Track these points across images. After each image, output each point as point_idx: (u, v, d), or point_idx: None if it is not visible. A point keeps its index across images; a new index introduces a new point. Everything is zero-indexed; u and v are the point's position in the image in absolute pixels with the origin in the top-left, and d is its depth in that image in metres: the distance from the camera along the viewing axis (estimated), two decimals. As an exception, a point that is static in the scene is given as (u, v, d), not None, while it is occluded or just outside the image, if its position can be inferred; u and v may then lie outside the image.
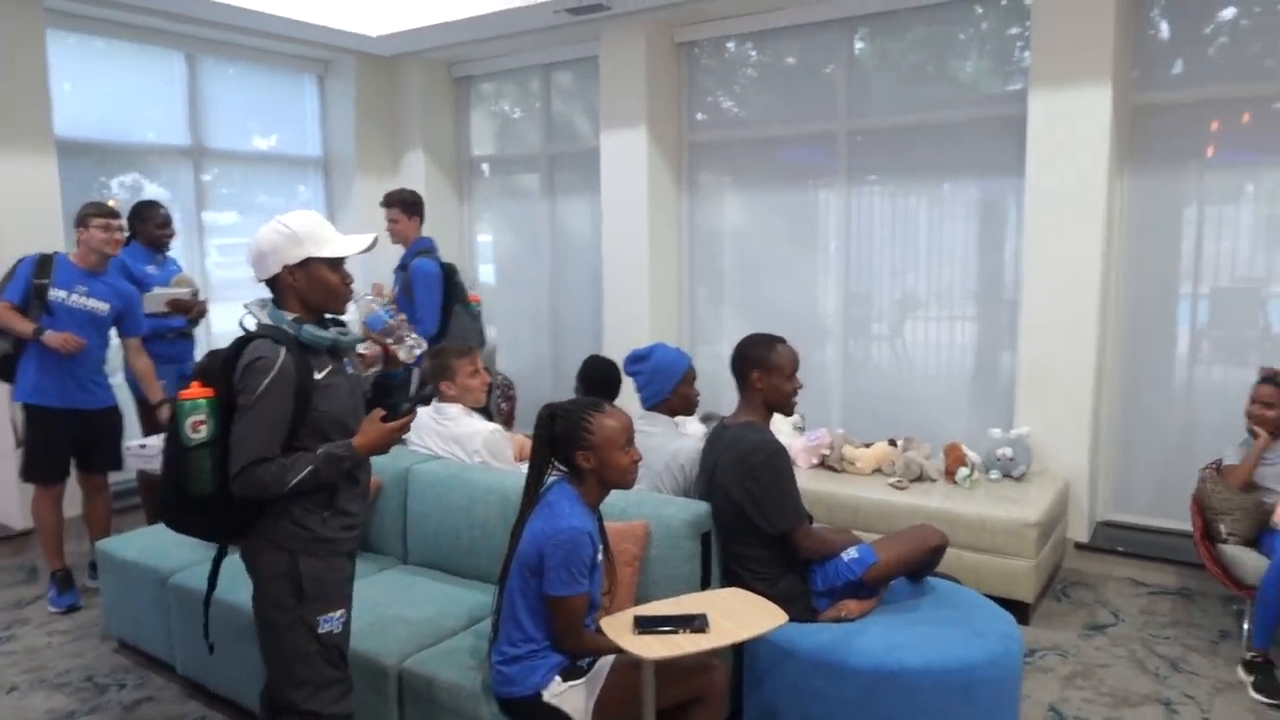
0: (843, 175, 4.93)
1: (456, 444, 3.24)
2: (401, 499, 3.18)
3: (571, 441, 2.23)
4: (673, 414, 3.09)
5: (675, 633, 2.04)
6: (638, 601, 2.49)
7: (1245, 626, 3.29)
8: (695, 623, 2.06)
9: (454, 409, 3.30)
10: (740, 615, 2.17)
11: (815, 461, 4.22)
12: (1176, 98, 4.06)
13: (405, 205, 4.47)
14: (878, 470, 4.10)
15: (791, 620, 2.40)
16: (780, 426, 4.33)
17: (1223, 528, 3.31)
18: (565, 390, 2.69)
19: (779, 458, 2.60)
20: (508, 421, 5.17)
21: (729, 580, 2.65)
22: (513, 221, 6.43)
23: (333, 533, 2.09)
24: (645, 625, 2.07)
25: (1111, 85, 3.90)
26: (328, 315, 2.14)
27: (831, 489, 3.92)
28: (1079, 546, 4.14)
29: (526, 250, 6.33)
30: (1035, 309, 4.17)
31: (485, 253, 6.65)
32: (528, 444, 3.30)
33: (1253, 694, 3.02)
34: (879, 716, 2.39)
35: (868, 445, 4.22)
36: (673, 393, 3.08)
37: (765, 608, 2.23)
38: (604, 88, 5.36)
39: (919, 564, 2.72)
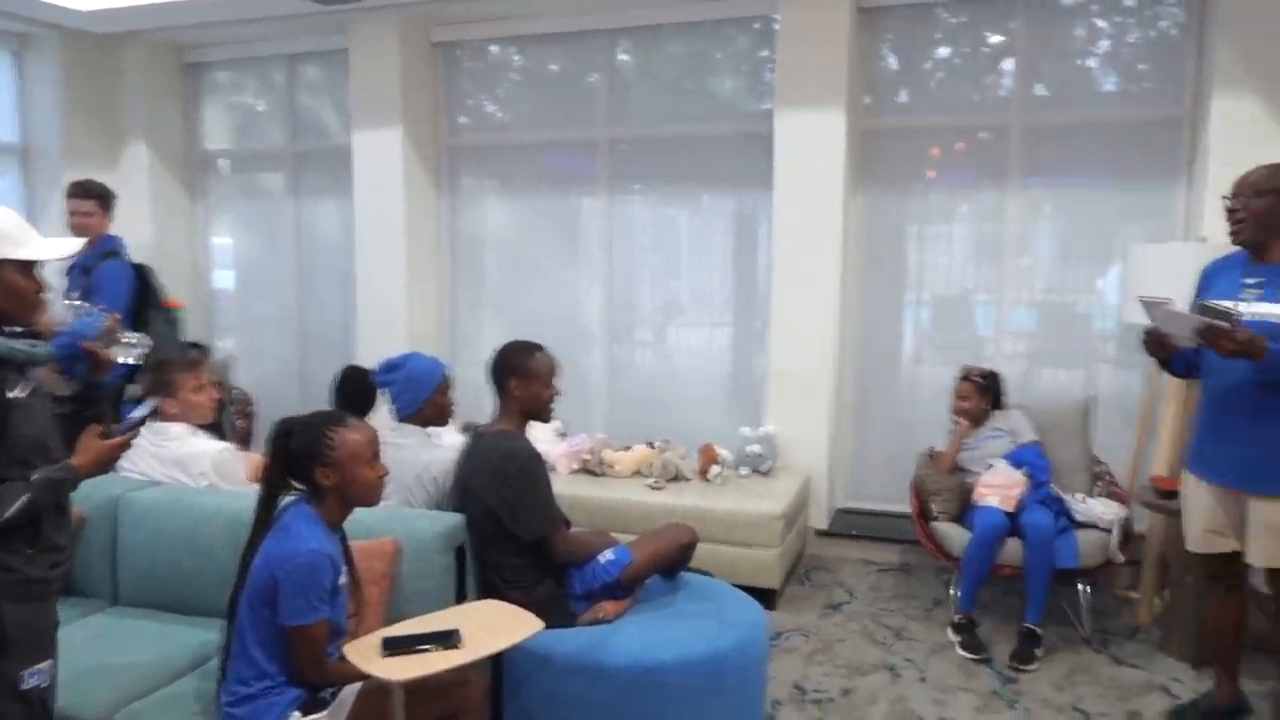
0: (605, 183, 5.03)
1: (179, 467, 2.94)
2: (110, 532, 2.81)
3: (310, 458, 2.10)
4: (425, 424, 2.99)
5: (426, 651, 1.98)
6: (388, 622, 2.37)
7: (952, 593, 3.70)
8: (447, 639, 2.01)
9: (177, 428, 3.00)
10: (495, 626, 2.14)
11: (576, 466, 4.27)
12: (902, 124, 4.50)
13: (104, 199, 4.02)
14: (637, 472, 4.21)
15: (549, 626, 2.40)
16: (541, 433, 4.33)
17: (934, 507, 3.71)
18: (315, 404, 2.53)
19: (533, 464, 2.60)
20: (245, 440, 4.78)
21: (485, 591, 2.61)
22: (254, 222, 5.99)
23: (41, 572, 1.83)
24: (394, 646, 1.99)
25: (846, 110, 4.26)
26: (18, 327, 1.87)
27: (592, 493, 3.98)
28: (820, 533, 4.48)
29: (270, 254, 5.92)
30: (782, 316, 4.46)
31: (223, 256, 6.14)
32: (257, 458, 3.08)
33: (960, 651, 3.41)
34: (635, 714, 2.44)
35: (628, 448, 4.33)
36: (426, 403, 2.98)
37: (520, 616, 2.21)
38: (355, 84, 5.13)
39: (672, 561, 2.82)
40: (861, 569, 4.31)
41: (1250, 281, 2.59)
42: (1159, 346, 2.67)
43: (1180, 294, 3.01)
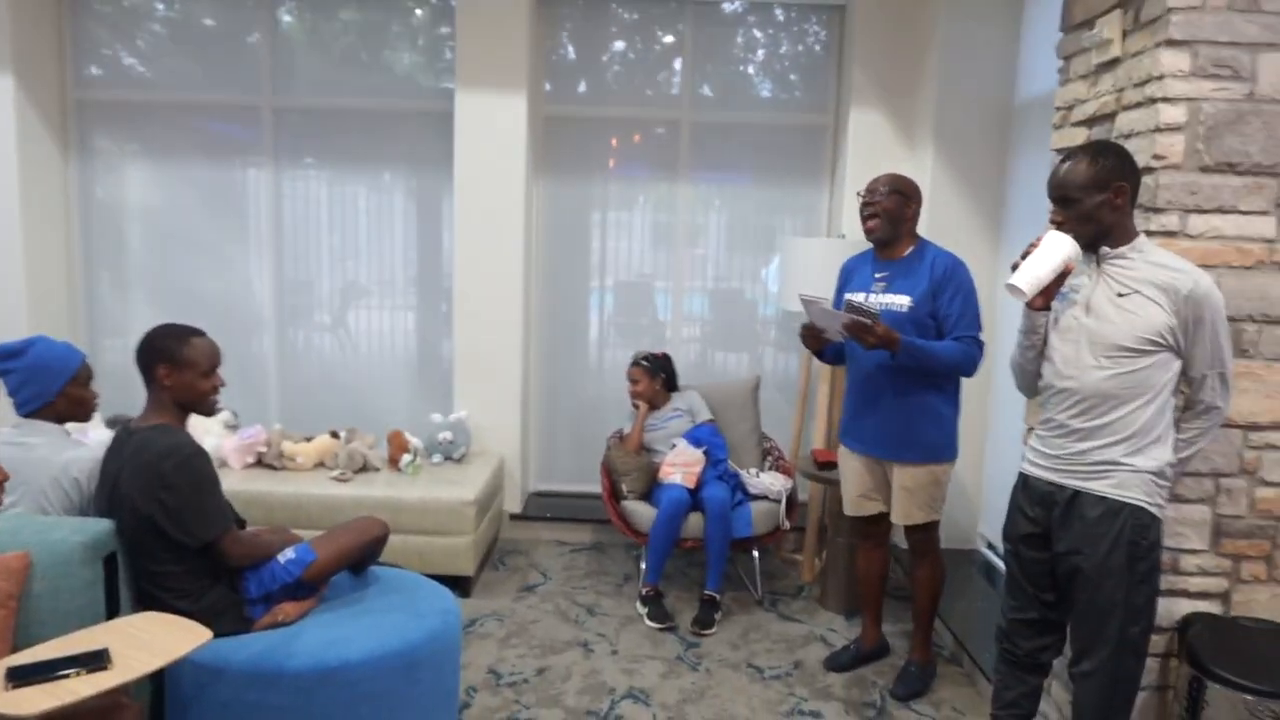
0: (270, 155, 4.62)
1: None
2: None
3: None
4: (61, 420, 2.56)
5: (65, 677, 1.69)
6: (19, 648, 2.01)
7: (642, 568, 3.88)
8: (93, 661, 1.73)
9: None
10: (153, 641, 1.88)
11: (251, 460, 3.90)
12: (582, 113, 4.60)
13: None
14: (320, 464, 3.94)
15: (222, 634, 2.18)
16: (208, 425, 3.93)
17: (624, 486, 3.86)
18: None
19: (194, 461, 2.30)
20: None
21: (144, 603, 2.29)
22: None
23: None
24: (23, 676, 1.67)
25: (527, 95, 4.27)
26: None
27: (270, 488, 3.67)
28: (514, 517, 4.49)
29: None
30: (467, 299, 4.39)
31: None
32: None
33: (648, 623, 3.58)
34: (321, 716, 2.28)
35: (309, 439, 4.04)
36: (59, 395, 2.54)
37: (184, 627, 1.97)
38: (-48, 19, 4.26)
39: (361, 556, 2.66)
40: (555, 550, 4.39)
41: (879, 275, 2.99)
42: (813, 339, 2.98)
43: (827, 284, 3.40)
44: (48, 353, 2.56)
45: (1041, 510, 2.22)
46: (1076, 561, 2.12)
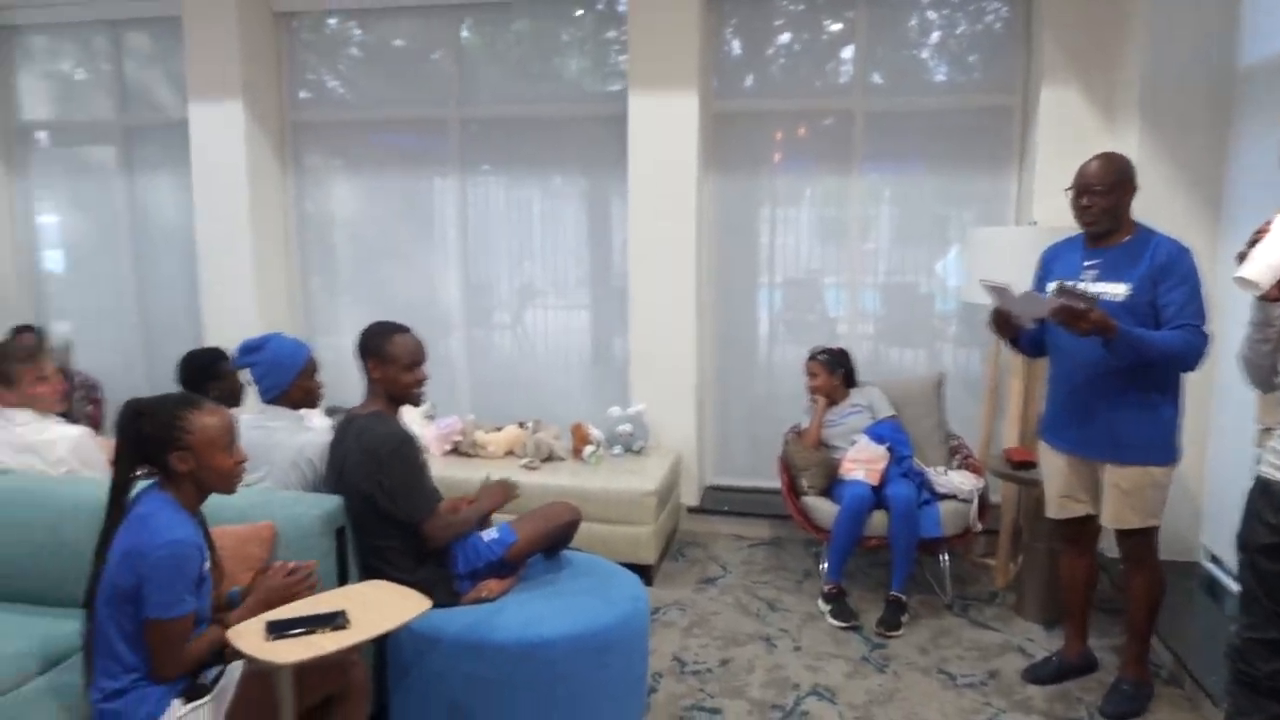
0: (456, 164, 4.90)
1: (33, 452, 2.71)
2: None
3: (164, 442, 1.95)
4: (295, 407, 2.83)
5: (312, 633, 1.87)
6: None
7: (822, 565, 3.84)
8: (334, 620, 1.90)
9: (24, 414, 2.75)
10: (382, 606, 2.05)
11: (448, 448, 4.16)
12: (750, 108, 4.61)
13: None
14: (510, 453, 4.14)
15: (435, 606, 2.33)
16: (410, 415, 4.20)
17: (804, 481, 3.83)
18: (163, 388, 2.33)
19: (408, 447, 2.50)
20: (95, 426, 4.42)
21: (368, 573, 2.49)
22: (82, 200, 5.49)
23: None
24: (279, 630, 1.86)
25: (699, 93, 4.32)
26: None
27: (466, 474, 3.88)
28: (691, 510, 4.55)
29: (102, 233, 5.45)
30: (641, 297, 4.49)
31: (50, 236, 5.60)
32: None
33: (830, 620, 3.54)
34: (523, 690, 2.40)
35: (499, 429, 4.25)
36: (293, 385, 2.82)
37: (407, 596, 2.13)
38: (190, 55, 4.77)
39: (555, 539, 2.79)
40: (733, 544, 4.41)
41: (1089, 264, 2.80)
42: (1005, 327, 2.85)
43: (1018, 275, 3.24)
44: (281, 348, 2.84)
45: None
46: None
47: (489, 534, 2.65)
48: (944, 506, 3.65)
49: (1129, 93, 3.83)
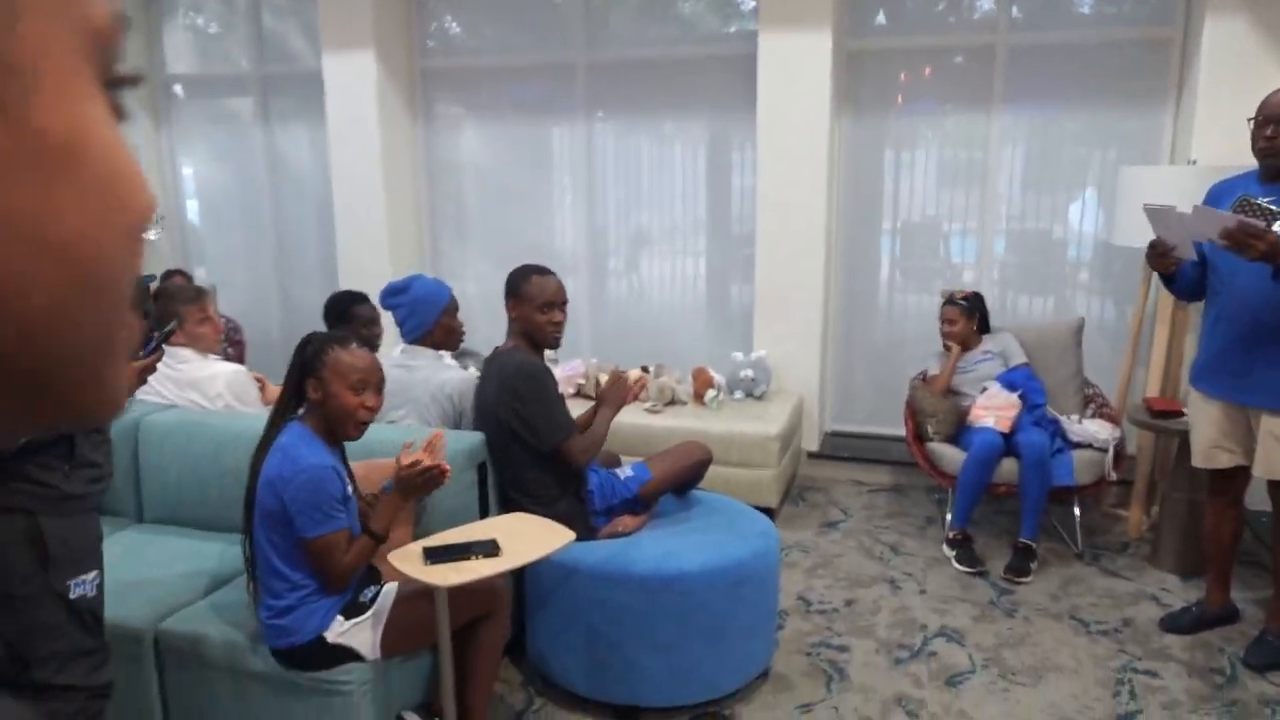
0: (582, 109, 4.93)
1: (195, 389, 2.91)
2: (131, 453, 2.82)
3: (307, 370, 2.08)
4: (436, 348, 2.96)
5: (467, 559, 1.98)
6: (417, 537, 2.38)
7: (947, 513, 3.80)
8: (486, 548, 2.01)
9: (187, 352, 2.94)
10: (528, 538, 2.15)
11: (572, 391, 4.26)
12: (884, 45, 4.46)
13: None
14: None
15: (576, 541, 2.43)
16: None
17: (930, 428, 3.77)
18: (300, 331, 2.47)
19: (542, 376, 2.58)
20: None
21: (507, 508, 2.61)
22: (222, 150, 5.78)
23: (80, 488, 1.80)
24: (435, 556, 1.99)
25: (832, 31, 4.20)
26: None
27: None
28: (811, 455, 4.55)
29: (240, 182, 5.73)
30: (768, 242, 4.45)
31: (188, 186, 5.94)
32: (271, 387, 3.06)
33: (956, 565, 3.51)
34: (661, 618, 2.48)
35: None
36: (435, 325, 2.94)
37: (551, 528, 2.23)
38: (323, 5, 4.93)
39: (688, 478, 2.85)
40: (853, 489, 4.40)
41: (1269, 201, 2.63)
42: (1161, 259, 2.71)
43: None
44: (424, 289, 2.95)
45: None
46: None
47: (625, 471, 2.73)
48: (1078, 455, 3.55)
49: (1304, 16, 3.53)
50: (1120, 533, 3.85)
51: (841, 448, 4.58)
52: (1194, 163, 3.70)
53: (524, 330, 2.67)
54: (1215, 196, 2.82)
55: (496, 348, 2.75)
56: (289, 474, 1.98)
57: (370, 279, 4.02)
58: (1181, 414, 3.42)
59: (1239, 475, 2.84)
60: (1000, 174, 4.41)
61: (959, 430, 3.76)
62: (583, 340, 5.13)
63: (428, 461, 2.05)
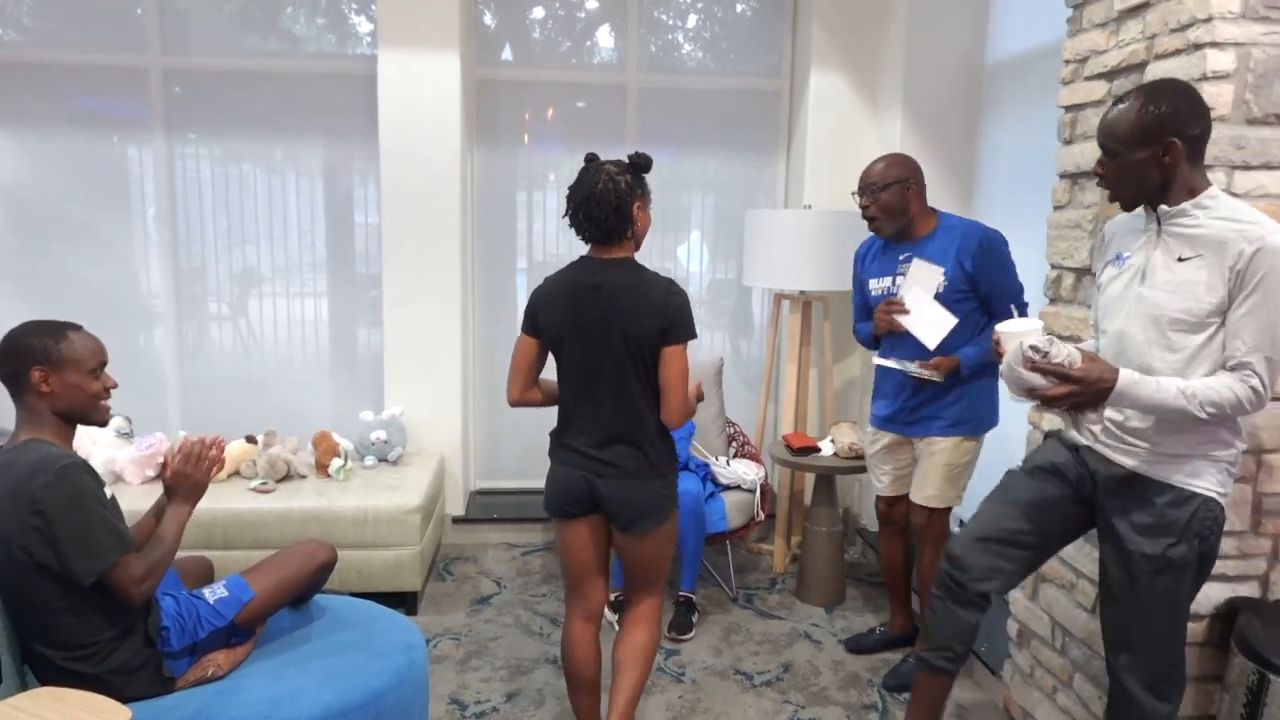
0: (160, 125, 4.05)
1: None
2: None
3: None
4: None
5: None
6: None
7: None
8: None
9: None
10: (56, 730, 1.47)
11: (152, 474, 3.41)
12: (508, 76, 4.19)
13: None
14: (236, 474, 3.48)
15: (139, 699, 1.78)
16: (99, 436, 3.41)
17: (583, 482, 3.52)
18: None
19: (70, 472, 1.83)
20: None
21: (38, 672, 1.85)
22: None
23: None
24: None
25: (460, 55, 3.84)
26: None
27: (179, 506, 3.19)
28: (456, 520, 4.10)
29: None
30: (398, 285, 3.96)
31: None
32: None
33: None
34: (274, 793, 1.89)
35: (221, 446, 3.55)
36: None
37: (90, 707, 1.56)
38: None
39: (306, 587, 2.26)
40: (505, 554, 4.02)
41: (902, 258, 2.81)
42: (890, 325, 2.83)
43: (796, 254, 3.15)
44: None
45: (1083, 470, 2.02)
46: (1130, 549, 1.91)
47: (215, 591, 2.08)
48: (729, 498, 3.51)
49: (892, 81, 3.87)
50: (766, 568, 3.89)
51: (490, 508, 4.20)
52: (809, 207, 3.88)
53: (63, 408, 1.92)
54: (860, 257, 3.03)
55: (-2, 444, 1.96)
56: None
57: None
58: (818, 449, 3.52)
59: (903, 504, 2.99)
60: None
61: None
62: (169, 407, 4.21)
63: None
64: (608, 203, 2.18)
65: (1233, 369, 1.75)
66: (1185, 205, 1.82)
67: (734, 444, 3.93)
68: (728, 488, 3.56)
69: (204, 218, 4.16)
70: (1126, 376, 1.76)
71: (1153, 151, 1.78)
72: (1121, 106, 1.83)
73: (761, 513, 3.58)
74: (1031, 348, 1.78)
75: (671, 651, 3.15)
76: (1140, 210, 1.93)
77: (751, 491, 3.56)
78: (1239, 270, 1.71)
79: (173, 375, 4.21)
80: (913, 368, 2.74)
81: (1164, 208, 1.85)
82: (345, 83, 4.06)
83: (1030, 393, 1.84)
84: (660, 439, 2.25)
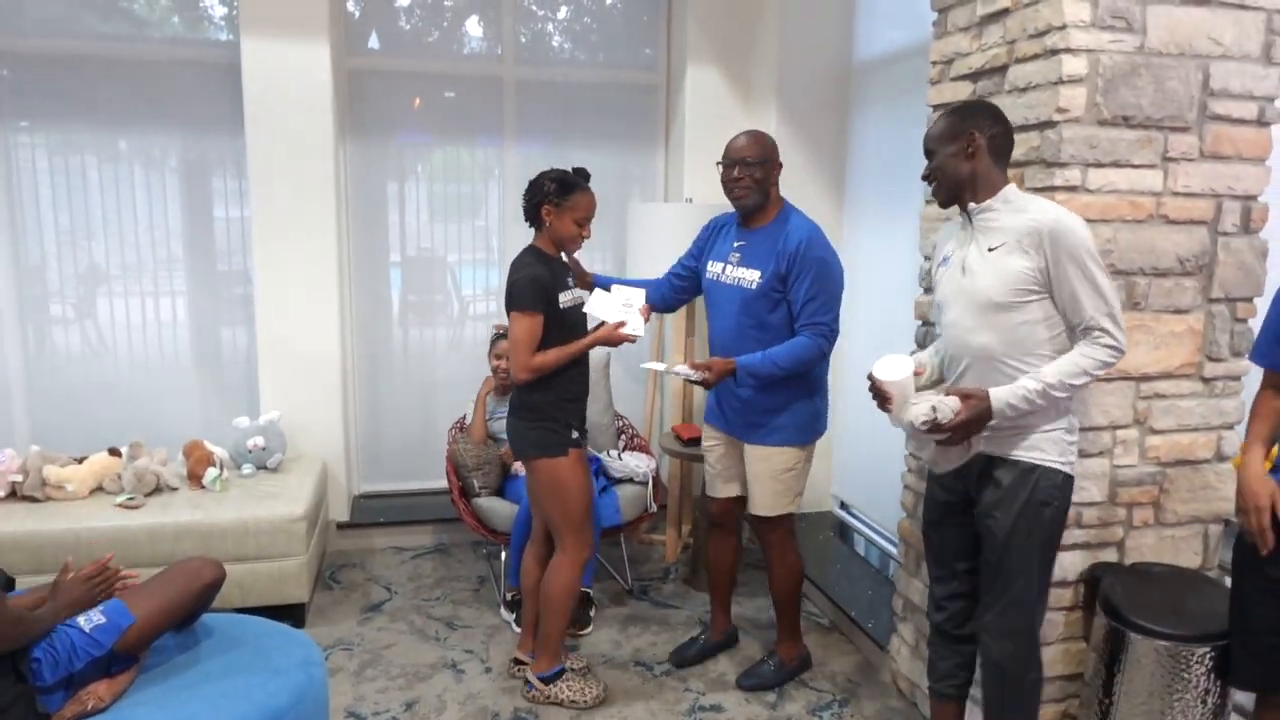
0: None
1: None
2: None
3: None
4: None
5: None
6: None
7: (496, 568, 3.53)
8: None
9: None
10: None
11: (3, 493, 3.14)
12: (381, 66, 4.06)
13: None
14: (99, 489, 3.25)
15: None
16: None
17: (475, 482, 3.47)
18: None
19: None
20: None
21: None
22: None
23: None
24: None
25: (330, 45, 3.69)
26: None
27: (35, 526, 2.96)
28: (341, 526, 3.97)
29: None
30: (270, 283, 3.78)
31: None
32: None
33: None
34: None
35: (80, 460, 3.31)
36: None
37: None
38: None
39: (191, 609, 2.15)
40: (394, 558, 3.92)
41: (738, 245, 2.77)
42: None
43: (670, 249, 3.20)
44: None
45: (959, 484, 2.18)
46: (989, 524, 2.08)
47: (91, 619, 1.95)
48: (622, 491, 3.53)
49: (766, 78, 3.97)
50: (659, 559, 3.95)
51: (376, 512, 4.08)
52: (690, 201, 3.94)
53: None
54: (710, 229, 2.92)
55: None
56: None
57: None
58: (704, 440, 3.58)
59: (736, 505, 2.94)
60: (512, 206, 4.29)
61: (504, 480, 3.53)
62: (15, 420, 3.88)
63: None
64: (526, 195, 2.67)
65: (1084, 336, 1.97)
66: (989, 201, 2.06)
67: (623, 437, 3.97)
68: (620, 481, 3.58)
69: (41, 211, 3.84)
70: (995, 397, 1.99)
71: (959, 146, 2.03)
72: (938, 116, 2.13)
73: (654, 504, 3.62)
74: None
75: (572, 646, 3.16)
76: (957, 213, 2.15)
77: (644, 484, 3.59)
78: (1045, 251, 1.94)
79: (18, 384, 3.88)
80: (683, 369, 2.67)
81: (972, 205, 2.08)
82: (199, 70, 3.82)
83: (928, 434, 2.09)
84: (524, 390, 2.64)
